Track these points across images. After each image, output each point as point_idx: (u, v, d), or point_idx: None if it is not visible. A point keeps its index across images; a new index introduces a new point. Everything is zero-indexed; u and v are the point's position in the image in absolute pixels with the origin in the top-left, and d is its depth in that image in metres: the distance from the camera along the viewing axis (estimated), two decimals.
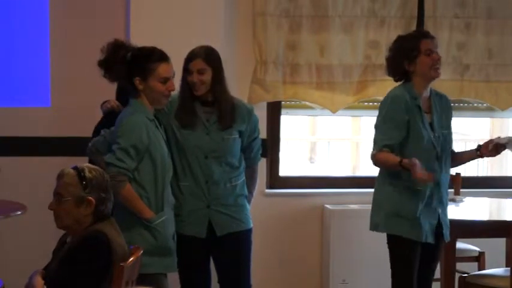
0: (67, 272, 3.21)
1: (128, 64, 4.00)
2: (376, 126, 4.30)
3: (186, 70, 4.26)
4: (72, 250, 3.27)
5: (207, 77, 4.24)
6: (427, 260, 4.37)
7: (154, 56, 4.05)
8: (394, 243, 4.31)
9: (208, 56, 4.25)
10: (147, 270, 3.87)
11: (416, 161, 4.08)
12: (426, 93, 4.34)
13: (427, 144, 4.26)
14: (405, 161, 4.11)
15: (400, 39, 4.36)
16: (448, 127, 4.39)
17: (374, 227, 4.37)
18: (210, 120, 4.30)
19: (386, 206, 4.30)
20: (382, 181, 4.35)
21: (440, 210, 4.32)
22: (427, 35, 4.34)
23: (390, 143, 4.21)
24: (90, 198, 3.32)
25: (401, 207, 4.26)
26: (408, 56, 4.25)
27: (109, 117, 4.47)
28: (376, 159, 4.25)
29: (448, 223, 4.39)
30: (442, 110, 4.39)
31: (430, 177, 4.08)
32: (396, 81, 4.38)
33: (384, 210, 4.30)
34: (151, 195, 3.99)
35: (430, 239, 4.28)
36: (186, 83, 4.28)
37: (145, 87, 4.03)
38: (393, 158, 4.17)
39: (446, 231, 4.36)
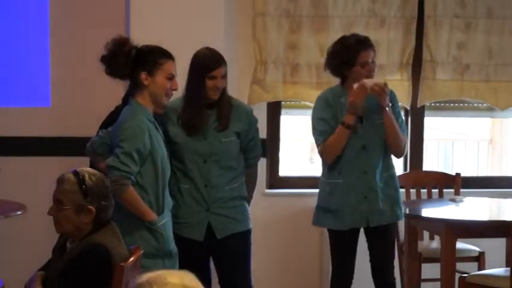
0: (67, 286, 3.20)
1: (134, 59, 3.97)
2: (312, 128, 4.63)
3: (209, 76, 4.24)
4: (72, 263, 3.22)
5: (226, 80, 4.28)
6: (370, 245, 4.66)
7: (163, 52, 4.03)
8: (328, 231, 4.67)
9: (224, 59, 4.30)
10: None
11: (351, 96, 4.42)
12: None
13: (351, 135, 4.50)
14: (345, 116, 4.44)
15: (340, 44, 4.57)
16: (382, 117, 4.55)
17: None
18: (208, 122, 4.29)
19: (317, 201, 4.69)
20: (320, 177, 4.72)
21: (370, 197, 4.53)
22: (365, 46, 4.52)
23: (326, 135, 4.53)
24: (90, 207, 3.27)
25: (325, 200, 4.62)
26: (347, 64, 4.52)
27: (112, 117, 4.45)
28: (324, 148, 4.53)
29: (381, 209, 4.55)
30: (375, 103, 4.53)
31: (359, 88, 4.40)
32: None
33: (316, 205, 4.69)
34: (152, 198, 3.97)
35: (359, 225, 4.58)
36: (202, 89, 4.25)
37: (151, 82, 3.98)
38: (337, 130, 4.48)
39: (373, 217, 4.55)
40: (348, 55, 4.51)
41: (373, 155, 4.54)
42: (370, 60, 4.51)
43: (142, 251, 3.48)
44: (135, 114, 3.96)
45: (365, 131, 4.53)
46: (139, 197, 3.93)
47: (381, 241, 4.64)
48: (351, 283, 4.68)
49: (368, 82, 4.44)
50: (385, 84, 4.48)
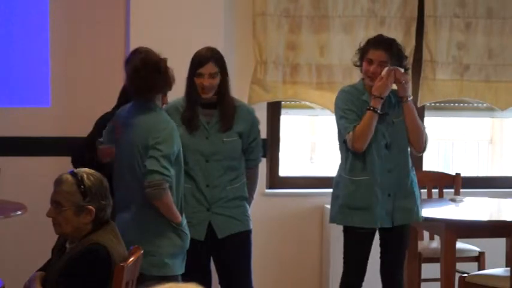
0: (67, 286, 3.20)
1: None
2: (340, 118, 4.51)
3: (196, 74, 4.24)
4: (72, 263, 3.23)
5: (217, 80, 4.26)
6: (385, 244, 4.58)
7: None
8: (348, 232, 4.53)
9: (217, 59, 4.28)
10: (172, 272, 3.91)
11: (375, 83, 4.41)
12: None
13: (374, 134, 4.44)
14: (372, 101, 4.40)
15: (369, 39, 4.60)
16: (400, 115, 4.54)
17: (331, 219, 4.61)
18: (210, 122, 4.30)
19: (340, 199, 4.52)
20: (338, 175, 4.57)
21: (395, 196, 4.48)
22: (375, 45, 4.49)
23: (356, 123, 4.43)
24: (90, 207, 3.26)
25: (353, 198, 4.47)
26: (360, 57, 4.54)
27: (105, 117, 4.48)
28: (355, 134, 4.41)
29: (407, 207, 4.51)
30: (396, 100, 4.53)
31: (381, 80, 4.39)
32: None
33: (338, 203, 4.52)
34: (177, 199, 4.00)
35: (386, 224, 4.48)
36: (193, 86, 4.26)
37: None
38: (365, 115, 4.40)
39: (396, 215, 4.48)
40: (362, 49, 4.53)
41: (397, 154, 4.50)
42: (376, 61, 4.44)
43: (141, 252, 3.48)
44: (166, 116, 4.01)
45: (388, 129, 4.48)
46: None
47: (397, 241, 4.57)
48: (361, 286, 4.62)
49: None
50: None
